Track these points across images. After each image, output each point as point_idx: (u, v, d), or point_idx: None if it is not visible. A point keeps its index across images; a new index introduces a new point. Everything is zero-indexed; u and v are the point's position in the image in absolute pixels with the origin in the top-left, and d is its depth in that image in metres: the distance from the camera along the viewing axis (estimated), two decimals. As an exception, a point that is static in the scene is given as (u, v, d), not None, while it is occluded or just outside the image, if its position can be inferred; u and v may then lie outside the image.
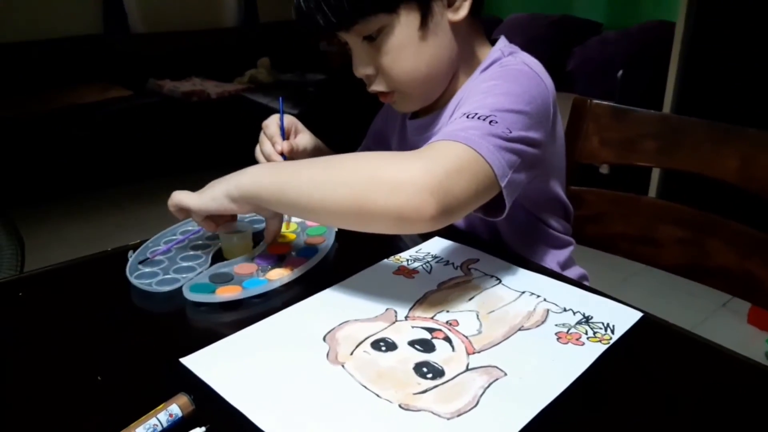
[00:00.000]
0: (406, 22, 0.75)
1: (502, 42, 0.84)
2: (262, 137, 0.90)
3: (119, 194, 3.33)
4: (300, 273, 0.72)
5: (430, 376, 0.54)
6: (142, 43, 3.88)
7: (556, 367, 0.55)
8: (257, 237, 0.81)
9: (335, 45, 4.29)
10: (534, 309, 0.65)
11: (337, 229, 0.82)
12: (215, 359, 0.57)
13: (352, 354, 0.57)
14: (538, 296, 0.67)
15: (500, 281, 0.71)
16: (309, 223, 0.86)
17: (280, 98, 0.94)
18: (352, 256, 0.79)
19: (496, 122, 0.66)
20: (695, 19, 2.27)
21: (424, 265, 0.74)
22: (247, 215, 0.89)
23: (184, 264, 0.75)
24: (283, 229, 0.84)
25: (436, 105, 0.86)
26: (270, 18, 4.46)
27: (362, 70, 0.81)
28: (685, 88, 2.31)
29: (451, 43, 0.79)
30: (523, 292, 0.68)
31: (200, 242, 0.81)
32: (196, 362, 0.56)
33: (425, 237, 0.81)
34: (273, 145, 0.88)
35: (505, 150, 0.66)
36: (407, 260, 0.76)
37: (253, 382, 0.54)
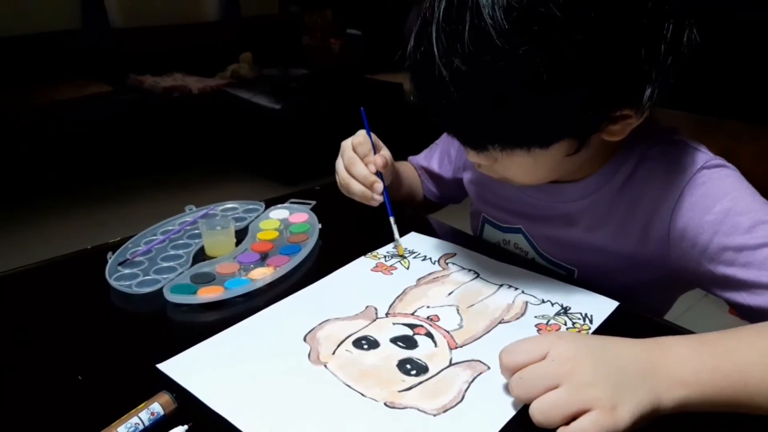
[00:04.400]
0: (554, 151, 0.60)
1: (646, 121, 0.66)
2: (352, 157, 0.79)
3: (99, 191, 3.29)
4: (283, 272, 0.72)
5: (414, 372, 0.54)
6: (121, 38, 3.83)
7: None
8: (240, 234, 0.81)
9: (318, 40, 4.27)
10: (513, 301, 0.65)
11: (320, 226, 0.82)
12: (193, 364, 0.56)
13: (334, 353, 0.57)
14: (516, 288, 0.68)
15: (478, 275, 0.71)
16: (292, 219, 0.86)
17: (362, 109, 0.80)
18: (336, 254, 0.78)
19: None
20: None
21: (401, 261, 0.74)
22: (229, 212, 0.89)
23: (165, 264, 0.74)
24: (267, 226, 0.84)
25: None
26: (252, 12, 4.43)
27: (476, 160, 0.67)
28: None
29: (596, 153, 0.67)
30: (501, 285, 0.69)
31: (181, 241, 0.80)
32: (174, 367, 0.55)
33: (401, 232, 0.80)
34: (367, 165, 0.78)
35: None
36: (384, 257, 0.76)
37: (234, 386, 0.53)
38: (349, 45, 4.18)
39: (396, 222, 0.77)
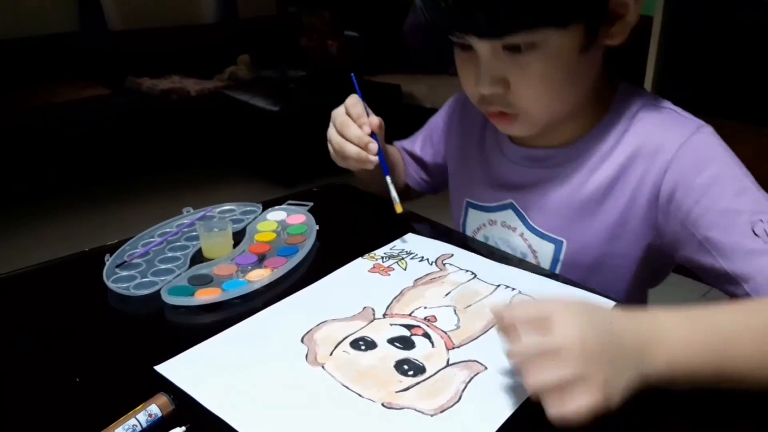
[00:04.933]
0: (569, 41, 0.62)
1: (631, 85, 0.74)
2: (345, 120, 0.79)
3: (97, 193, 3.29)
4: (281, 273, 0.72)
5: (411, 373, 0.54)
6: (119, 40, 3.84)
7: None
8: (238, 236, 0.81)
9: (315, 41, 4.27)
10: (510, 302, 0.65)
11: (318, 228, 0.82)
12: (191, 366, 0.56)
13: (331, 354, 0.57)
14: (513, 289, 0.68)
15: (475, 275, 0.71)
16: (289, 221, 0.86)
17: (352, 75, 0.81)
18: (333, 256, 0.79)
19: None
20: (672, 13, 2.29)
21: (398, 262, 0.75)
22: (227, 214, 0.89)
23: (162, 266, 0.74)
24: (264, 227, 0.84)
25: (551, 138, 0.75)
26: (250, 14, 4.43)
27: (490, 89, 0.66)
28: (663, 81, 2.34)
29: (595, 70, 0.69)
30: (499, 285, 0.69)
31: (178, 243, 0.80)
32: (172, 369, 0.55)
33: (399, 234, 0.81)
34: (360, 126, 0.78)
35: None
36: (382, 258, 0.76)
37: (232, 387, 0.53)
38: (346, 46, 4.18)
39: (392, 182, 0.78)
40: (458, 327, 0.61)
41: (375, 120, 0.79)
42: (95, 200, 3.21)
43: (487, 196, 0.83)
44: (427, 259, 0.75)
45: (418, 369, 0.55)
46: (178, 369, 0.56)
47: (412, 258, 0.75)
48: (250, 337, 0.61)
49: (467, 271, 0.72)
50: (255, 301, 0.67)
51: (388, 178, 0.79)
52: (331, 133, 0.82)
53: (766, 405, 0.51)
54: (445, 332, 0.60)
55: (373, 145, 0.78)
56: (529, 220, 0.78)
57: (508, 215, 0.80)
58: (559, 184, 0.74)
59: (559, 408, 0.45)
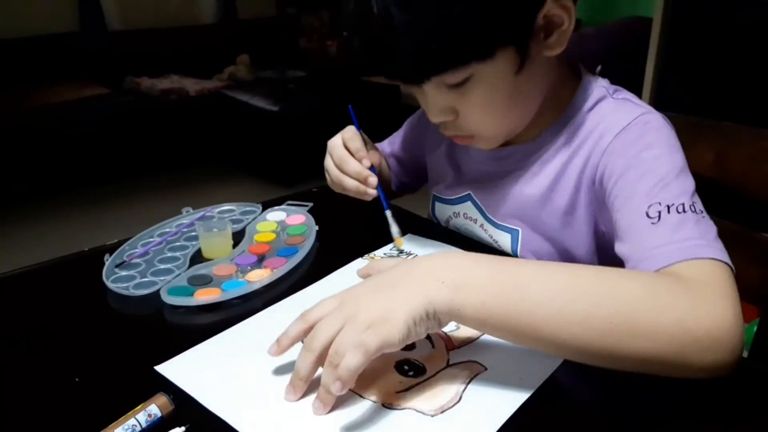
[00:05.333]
0: (501, 67, 0.63)
1: (595, 78, 0.75)
2: (343, 155, 0.79)
3: (96, 193, 3.29)
4: (280, 274, 0.72)
5: (411, 373, 0.54)
6: (119, 40, 3.84)
7: (536, 360, 0.55)
8: (237, 236, 0.81)
9: (314, 42, 4.27)
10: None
11: (317, 228, 0.82)
12: (191, 366, 0.56)
13: None
14: None
15: None
16: (289, 221, 0.86)
17: (350, 107, 0.81)
18: (332, 256, 0.79)
19: (696, 209, 0.59)
20: (671, 15, 2.30)
21: None
22: (226, 214, 0.89)
23: (162, 266, 0.74)
24: (264, 228, 0.84)
25: (515, 138, 0.75)
26: (249, 14, 4.43)
27: (439, 118, 0.69)
28: (662, 82, 2.34)
29: (544, 80, 0.70)
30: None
31: (178, 243, 0.80)
32: (172, 369, 0.55)
33: (412, 225, 0.82)
34: (360, 160, 0.78)
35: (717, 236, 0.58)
36: (381, 258, 0.76)
37: (232, 387, 0.53)
38: (346, 47, 4.19)
39: (393, 215, 0.78)
40: (458, 328, 0.61)
41: (375, 155, 0.80)
42: (95, 200, 3.21)
43: (450, 190, 0.85)
44: None
45: (419, 369, 0.55)
46: (178, 369, 0.56)
47: (411, 258, 0.75)
48: (250, 337, 0.61)
49: None
50: (254, 301, 0.67)
51: (388, 213, 0.79)
52: (329, 165, 0.82)
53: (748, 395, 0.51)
54: (445, 333, 0.60)
55: (373, 179, 0.78)
56: (485, 211, 0.79)
57: (468, 207, 0.82)
58: (515, 177, 0.76)
59: (333, 371, 0.47)
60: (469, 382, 0.53)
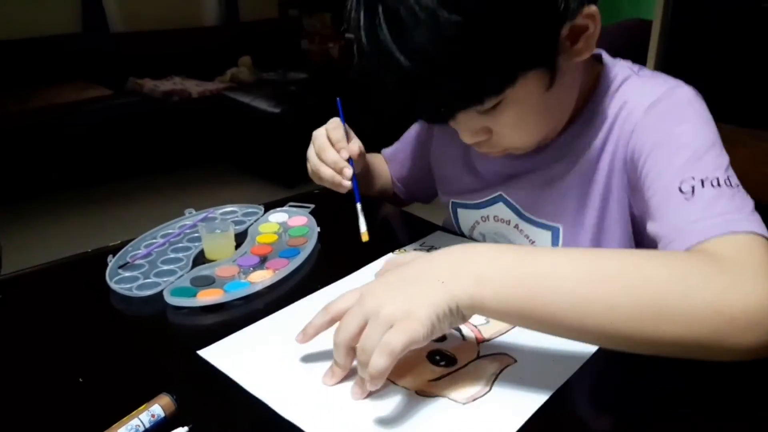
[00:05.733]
0: (533, 87, 0.61)
1: (617, 60, 0.74)
2: (324, 143, 0.81)
3: (99, 194, 3.29)
4: (282, 275, 0.72)
5: (443, 363, 0.56)
6: (121, 42, 3.84)
7: (565, 353, 0.56)
8: (239, 238, 0.81)
9: (316, 44, 4.28)
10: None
11: (319, 230, 0.82)
12: (232, 351, 0.58)
13: None
14: None
15: None
16: (291, 223, 0.86)
17: (338, 99, 0.82)
18: (334, 257, 0.79)
19: (731, 183, 0.57)
20: (671, 17, 2.30)
21: None
22: (229, 216, 0.89)
23: (165, 267, 0.74)
24: (266, 229, 0.84)
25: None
26: (251, 16, 4.43)
27: (473, 140, 0.68)
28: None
29: (576, 84, 0.68)
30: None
31: (180, 244, 0.80)
32: (214, 354, 0.57)
33: (427, 231, 0.84)
34: (339, 151, 0.80)
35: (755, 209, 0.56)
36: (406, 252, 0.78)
37: (271, 371, 0.55)
38: (347, 49, 4.19)
39: (363, 210, 0.79)
40: (488, 322, 0.62)
41: (354, 147, 0.80)
42: (98, 201, 3.21)
43: (474, 194, 0.83)
44: None
45: (450, 360, 0.56)
46: (220, 353, 0.57)
47: (428, 253, 0.76)
48: (290, 324, 0.61)
49: None
50: (257, 302, 0.68)
51: (359, 206, 0.80)
52: (310, 153, 0.83)
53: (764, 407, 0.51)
54: (476, 326, 0.61)
55: (348, 171, 0.79)
56: (522, 210, 0.77)
57: (500, 209, 0.80)
58: (549, 172, 0.74)
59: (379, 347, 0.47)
60: (499, 374, 0.54)
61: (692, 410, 0.50)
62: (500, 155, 0.72)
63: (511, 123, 0.64)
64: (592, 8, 0.60)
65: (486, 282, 0.49)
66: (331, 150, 0.80)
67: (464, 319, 0.50)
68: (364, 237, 0.78)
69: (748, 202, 0.56)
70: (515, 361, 0.56)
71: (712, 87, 2.27)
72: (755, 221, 0.54)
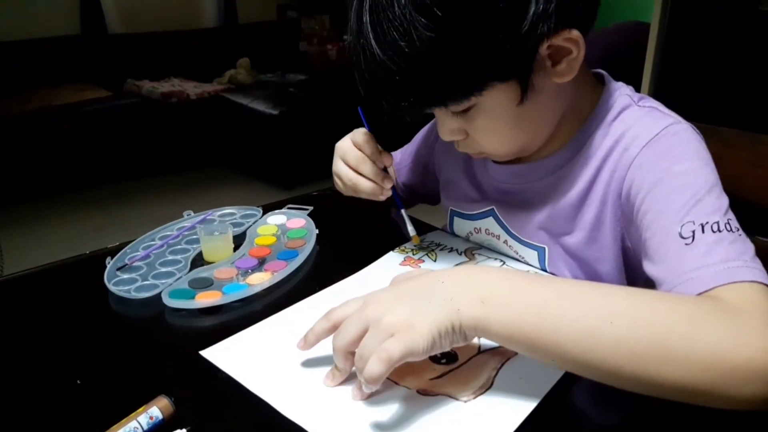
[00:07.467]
0: (502, 99, 0.62)
1: (619, 85, 0.72)
2: (359, 156, 0.79)
3: (97, 196, 3.29)
4: (281, 277, 0.72)
5: (444, 361, 0.56)
6: (119, 43, 3.84)
7: None
8: (238, 240, 0.81)
9: (315, 45, 4.28)
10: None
11: (317, 232, 0.83)
12: (234, 351, 0.58)
13: None
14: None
15: (504, 263, 0.74)
16: (290, 225, 0.86)
17: (360, 108, 0.81)
18: (332, 259, 0.79)
19: (731, 227, 0.56)
20: (669, 19, 2.31)
21: (428, 254, 0.77)
22: (227, 218, 0.89)
23: (163, 269, 0.74)
24: (265, 231, 0.84)
25: (534, 155, 0.74)
26: (249, 18, 4.44)
27: (449, 138, 0.70)
28: (660, 86, 2.35)
29: (556, 103, 0.68)
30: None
31: (179, 246, 0.80)
32: (216, 354, 0.58)
33: (427, 230, 0.85)
34: (374, 162, 0.78)
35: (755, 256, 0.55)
36: (412, 250, 0.79)
37: (272, 372, 0.55)
38: (346, 51, 4.19)
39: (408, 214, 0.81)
40: None
41: (388, 157, 0.80)
42: (96, 203, 3.21)
43: (470, 205, 0.83)
44: (456, 250, 0.78)
45: (451, 357, 0.56)
46: (221, 354, 0.58)
47: (441, 249, 0.79)
48: (292, 324, 0.62)
49: (496, 258, 0.74)
50: (255, 304, 0.68)
51: (404, 212, 0.81)
52: (341, 168, 0.81)
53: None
54: None
55: (389, 182, 0.79)
56: (509, 229, 0.77)
57: (490, 223, 0.80)
58: (539, 193, 0.74)
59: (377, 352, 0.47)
60: (500, 368, 0.55)
61: (693, 406, 0.50)
62: (478, 157, 0.75)
63: (483, 129, 0.66)
64: (574, 33, 0.59)
65: (492, 305, 0.49)
66: (369, 162, 0.78)
67: (466, 339, 0.50)
68: (415, 240, 0.80)
69: (749, 248, 0.55)
70: (516, 353, 0.56)
71: (709, 89, 2.28)
72: (757, 269, 0.53)
